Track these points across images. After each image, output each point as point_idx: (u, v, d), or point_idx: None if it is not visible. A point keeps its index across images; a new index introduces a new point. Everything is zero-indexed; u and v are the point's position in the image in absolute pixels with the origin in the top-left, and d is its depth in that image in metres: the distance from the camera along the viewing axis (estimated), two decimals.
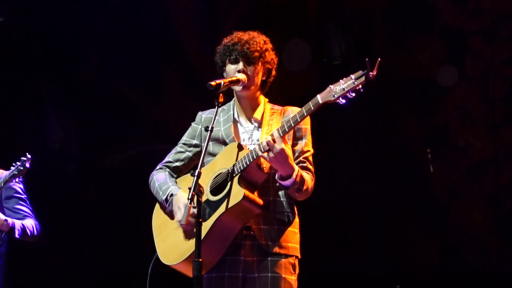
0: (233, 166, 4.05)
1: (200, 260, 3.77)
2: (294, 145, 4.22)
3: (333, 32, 7.51)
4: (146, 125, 7.60)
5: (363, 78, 3.73)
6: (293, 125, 3.95)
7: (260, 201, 4.07)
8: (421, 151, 7.70)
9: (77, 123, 7.49)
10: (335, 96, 3.78)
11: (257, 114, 4.30)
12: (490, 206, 7.50)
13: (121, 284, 7.40)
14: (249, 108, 4.32)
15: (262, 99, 4.36)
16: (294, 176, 4.00)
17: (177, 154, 4.40)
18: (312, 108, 3.87)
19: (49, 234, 7.29)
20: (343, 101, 3.79)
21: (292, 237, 4.21)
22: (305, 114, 3.91)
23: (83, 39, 7.48)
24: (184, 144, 4.41)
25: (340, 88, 3.77)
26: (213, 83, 4.05)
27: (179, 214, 4.15)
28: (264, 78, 4.31)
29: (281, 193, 4.19)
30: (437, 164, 7.61)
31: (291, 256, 4.19)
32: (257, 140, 4.23)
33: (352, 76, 3.76)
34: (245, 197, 3.98)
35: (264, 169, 4.09)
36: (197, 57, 7.71)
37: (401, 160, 7.74)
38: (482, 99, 7.56)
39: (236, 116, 4.33)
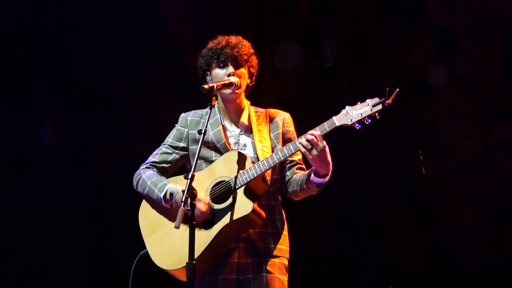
0: (238, 176, 4.05)
1: (194, 262, 3.79)
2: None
3: (323, 33, 7.52)
4: (138, 125, 7.59)
5: (380, 106, 3.80)
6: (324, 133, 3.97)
7: (263, 213, 4.11)
8: (411, 150, 7.73)
9: (69, 124, 7.48)
10: (352, 120, 3.86)
11: (243, 119, 4.31)
12: (480, 205, 7.53)
13: (113, 283, 7.40)
14: (234, 112, 4.33)
15: (246, 102, 4.37)
16: (330, 173, 4.08)
17: (163, 155, 4.37)
18: (328, 130, 3.95)
19: (42, 234, 7.32)
20: (359, 126, 3.89)
21: (284, 240, 4.28)
22: (321, 135, 3.97)
23: (74, 38, 7.46)
24: (170, 146, 4.37)
25: (357, 113, 3.85)
26: (206, 86, 4.08)
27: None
28: (247, 82, 4.33)
29: (273, 197, 4.25)
30: (427, 163, 7.64)
31: (284, 257, 4.26)
32: (244, 146, 4.26)
33: (369, 102, 3.85)
34: (253, 210, 4.02)
35: (268, 181, 4.14)
36: (188, 57, 7.70)
37: (391, 159, 7.76)
38: (472, 98, 7.60)
39: (221, 119, 4.33)
